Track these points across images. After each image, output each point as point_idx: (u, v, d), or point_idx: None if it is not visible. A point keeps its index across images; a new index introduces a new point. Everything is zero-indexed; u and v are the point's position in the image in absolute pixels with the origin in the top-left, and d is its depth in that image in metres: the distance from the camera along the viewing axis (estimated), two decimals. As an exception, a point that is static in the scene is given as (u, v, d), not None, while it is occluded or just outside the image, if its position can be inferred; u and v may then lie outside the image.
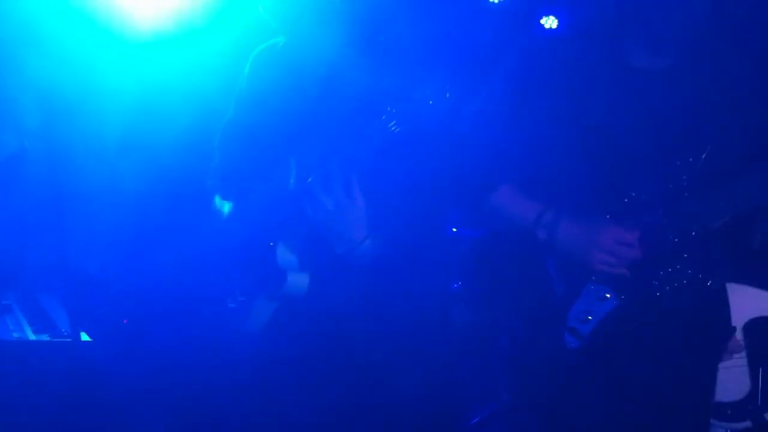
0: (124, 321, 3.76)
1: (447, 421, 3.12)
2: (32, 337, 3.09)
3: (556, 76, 2.93)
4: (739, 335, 3.02)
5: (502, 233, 3.01)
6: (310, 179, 2.87)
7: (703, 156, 2.87)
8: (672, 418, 2.85)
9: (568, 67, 2.93)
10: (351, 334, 2.94)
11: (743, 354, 3.14)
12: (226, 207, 3.20)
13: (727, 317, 2.95)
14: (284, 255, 2.95)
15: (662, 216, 2.86)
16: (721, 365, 2.98)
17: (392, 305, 2.94)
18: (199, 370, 3.51)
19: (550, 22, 4.71)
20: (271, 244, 2.96)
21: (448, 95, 2.74)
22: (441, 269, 3.08)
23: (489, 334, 3.81)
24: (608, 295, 2.87)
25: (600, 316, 2.86)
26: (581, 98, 2.91)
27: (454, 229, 3.82)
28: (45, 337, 3.08)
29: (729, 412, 3.01)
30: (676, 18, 2.83)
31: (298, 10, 2.94)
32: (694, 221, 2.85)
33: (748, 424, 3.01)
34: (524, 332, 2.97)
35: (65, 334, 3.10)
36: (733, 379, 3.00)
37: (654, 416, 2.84)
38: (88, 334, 3.12)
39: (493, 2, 4.77)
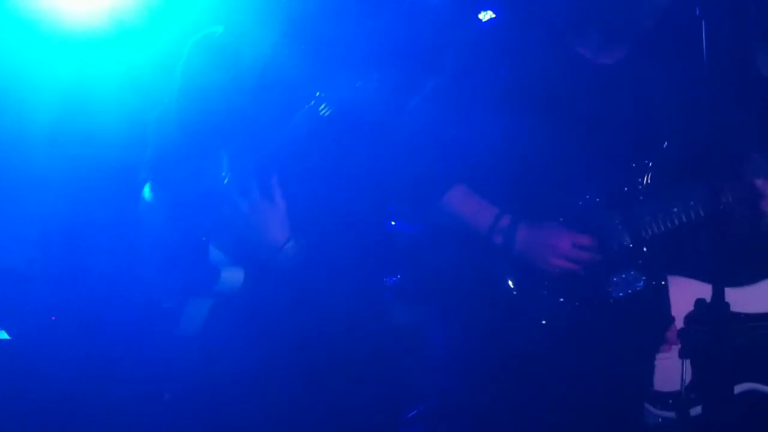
0: (52, 318, 3.68)
1: (383, 414, 3.10)
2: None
3: (502, 72, 2.86)
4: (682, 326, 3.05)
5: (441, 230, 2.98)
6: (226, 180, 2.82)
7: (659, 158, 2.85)
8: (614, 417, 2.86)
9: (514, 62, 2.85)
10: (288, 331, 2.89)
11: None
12: (158, 202, 3.14)
13: (669, 314, 2.96)
14: (217, 251, 2.90)
15: (617, 220, 2.85)
16: (664, 355, 2.99)
17: (328, 300, 2.89)
18: (133, 371, 3.44)
19: (487, 16, 4.67)
20: (204, 239, 2.91)
21: (375, 86, 2.69)
22: (378, 264, 3.05)
23: (426, 330, 3.79)
24: (562, 300, 2.86)
25: (554, 321, 2.84)
26: (531, 94, 2.84)
27: (393, 223, 3.79)
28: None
29: (670, 401, 3.01)
30: (629, 8, 2.77)
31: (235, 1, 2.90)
32: (648, 225, 2.84)
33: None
34: (464, 331, 2.95)
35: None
36: (675, 369, 3.02)
37: (596, 416, 2.84)
38: (10, 332, 3.04)
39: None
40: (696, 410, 2.91)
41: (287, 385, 2.89)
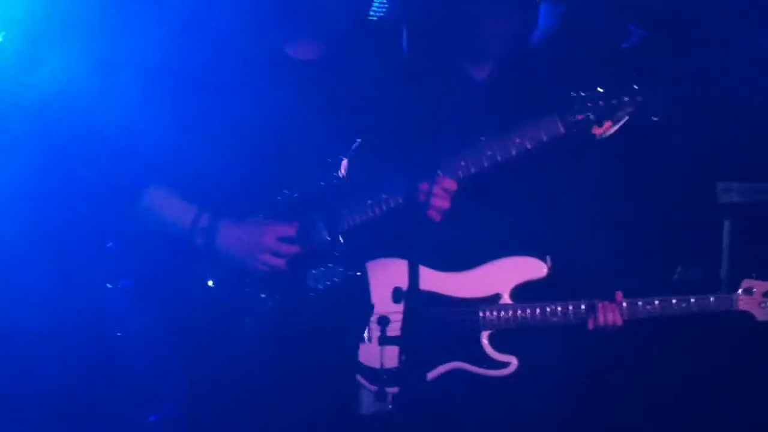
0: None
1: (121, 414, 3.05)
2: None
3: (202, 71, 2.91)
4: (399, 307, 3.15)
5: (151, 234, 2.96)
6: None
7: (353, 152, 2.95)
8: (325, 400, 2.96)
9: (214, 61, 2.92)
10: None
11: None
12: None
13: (369, 300, 3.06)
14: None
15: (316, 215, 2.92)
16: (375, 335, 3.07)
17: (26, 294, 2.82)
18: None
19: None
20: None
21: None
22: (92, 265, 3.00)
23: (157, 335, 3.72)
24: (264, 296, 2.89)
25: (257, 318, 2.88)
26: (233, 92, 2.90)
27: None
28: None
29: (385, 377, 3.09)
30: (329, 9, 2.89)
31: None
32: (345, 219, 2.93)
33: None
34: (183, 335, 2.94)
35: None
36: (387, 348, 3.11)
37: (307, 402, 2.93)
38: None
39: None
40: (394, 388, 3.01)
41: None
